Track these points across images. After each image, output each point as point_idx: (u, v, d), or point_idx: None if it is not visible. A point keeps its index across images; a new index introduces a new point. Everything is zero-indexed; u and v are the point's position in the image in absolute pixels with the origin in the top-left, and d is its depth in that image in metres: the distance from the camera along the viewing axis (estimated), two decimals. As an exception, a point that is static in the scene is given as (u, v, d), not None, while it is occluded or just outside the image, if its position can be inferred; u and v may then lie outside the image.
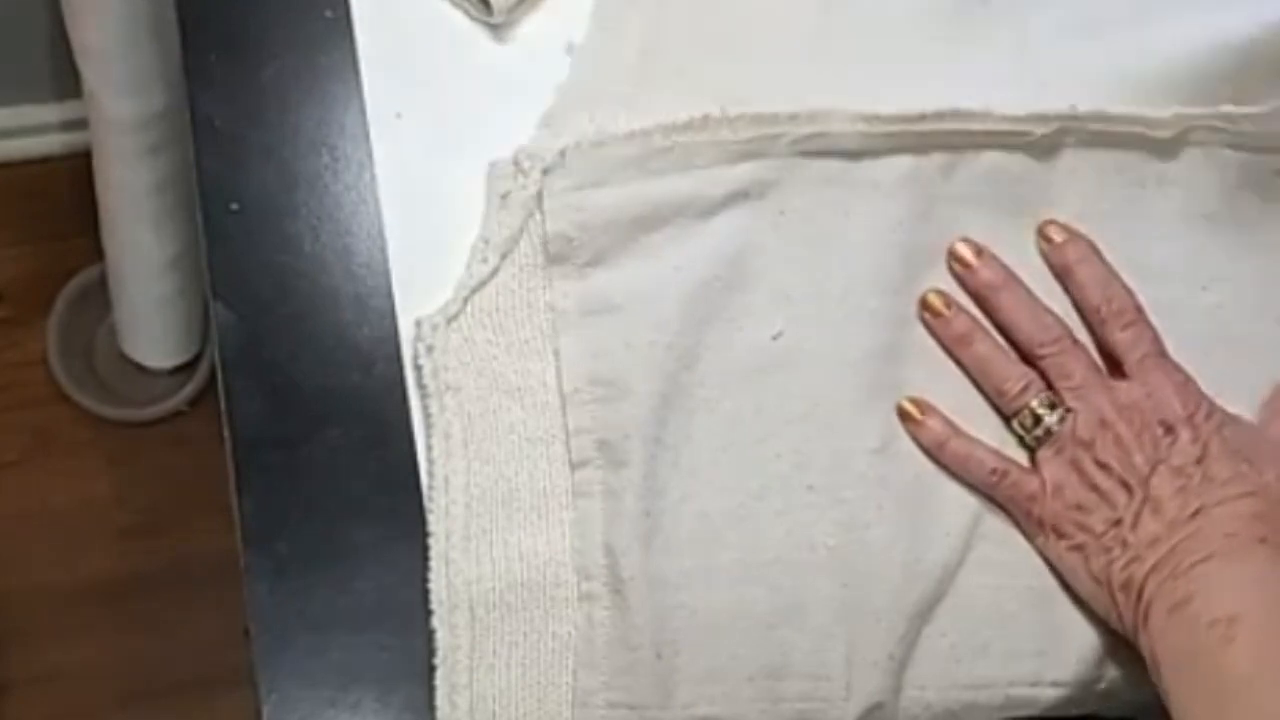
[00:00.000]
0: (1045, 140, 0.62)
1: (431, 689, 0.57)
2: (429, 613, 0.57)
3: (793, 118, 0.60)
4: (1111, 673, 0.59)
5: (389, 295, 0.61)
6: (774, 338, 0.59)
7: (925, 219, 0.62)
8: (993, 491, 0.60)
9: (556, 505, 0.58)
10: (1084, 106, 0.62)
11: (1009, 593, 0.59)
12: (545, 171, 0.60)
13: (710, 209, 0.60)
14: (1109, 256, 0.62)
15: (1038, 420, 0.59)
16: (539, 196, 0.60)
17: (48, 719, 1.30)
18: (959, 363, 0.61)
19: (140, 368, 1.35)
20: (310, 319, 0.61)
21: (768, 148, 0.60)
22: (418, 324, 0.59)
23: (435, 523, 0.57)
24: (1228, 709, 0.51)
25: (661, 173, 0.60)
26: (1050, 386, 0.60)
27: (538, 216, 0.60)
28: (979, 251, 0.61)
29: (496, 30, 0.65)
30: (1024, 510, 0.59)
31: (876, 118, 0.61)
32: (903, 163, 0.61)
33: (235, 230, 0.62)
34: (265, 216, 0.62)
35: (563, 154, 0.60)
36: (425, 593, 0.57)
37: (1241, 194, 0.64)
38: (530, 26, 0.65)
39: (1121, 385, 0.59)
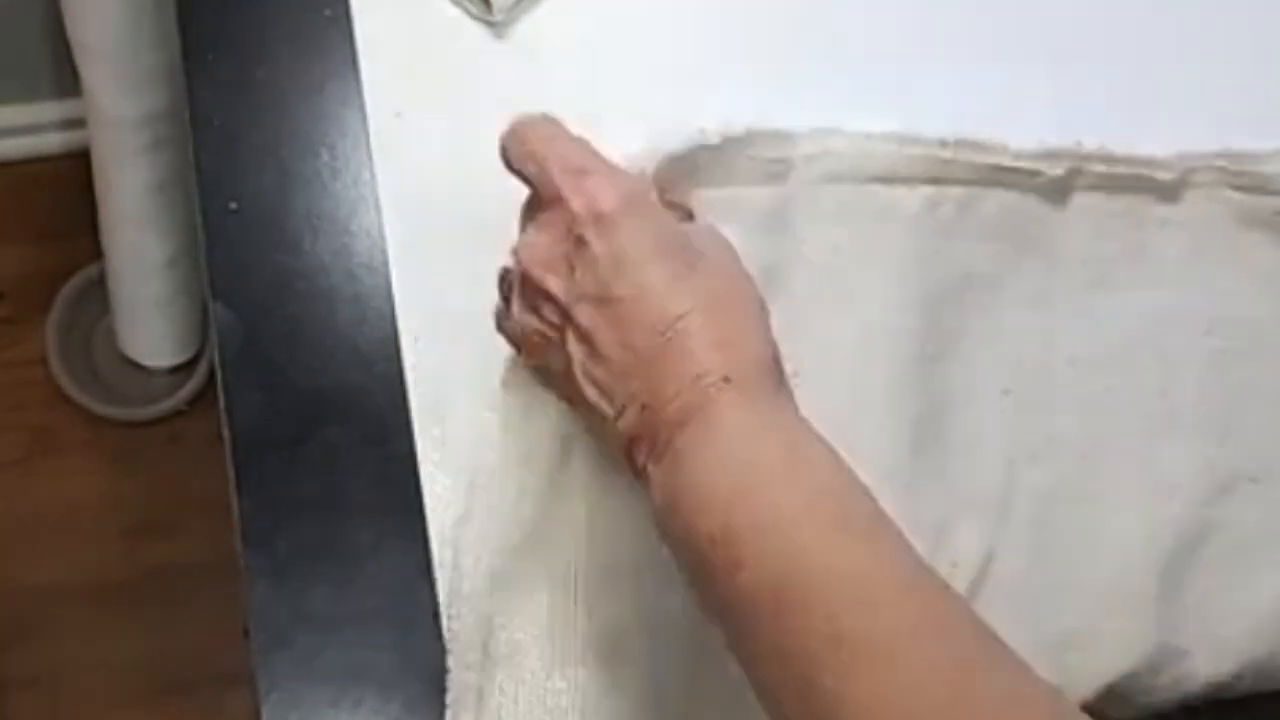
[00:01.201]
0: (1056, 181, 0.62)
1: (431, 688, 0.57)
2: (429, 613, 0.57)
3: (812, 135, 0.59)
4: None
5: (389, 295, 0.61)
6: (792, 375, 0.54)
7: (940, 254, 0.61)
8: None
9: None
10: (1088, 143, 0.62)
11: None
12: None
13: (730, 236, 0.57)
14: (1112, 299, 0.62)
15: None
16: None
17: (47, 719, 1.30)
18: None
19: (139, 367, 1.35)
20: (309, 318, 0.61)
21: (786, 171, 0.59)
22: None
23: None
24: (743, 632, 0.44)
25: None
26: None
27: None
28: None
29: (496, 29, 0.65)
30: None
31: (905, 138, 0.60)
32: (925, 192, 0.60)
33: (234, 230, 0.61)
34: (264, 216, 0.62)
35: None
36: (425, 592, 0.58)
37: (1244, 236, 0.64)
38: (530, 26, 0.65)
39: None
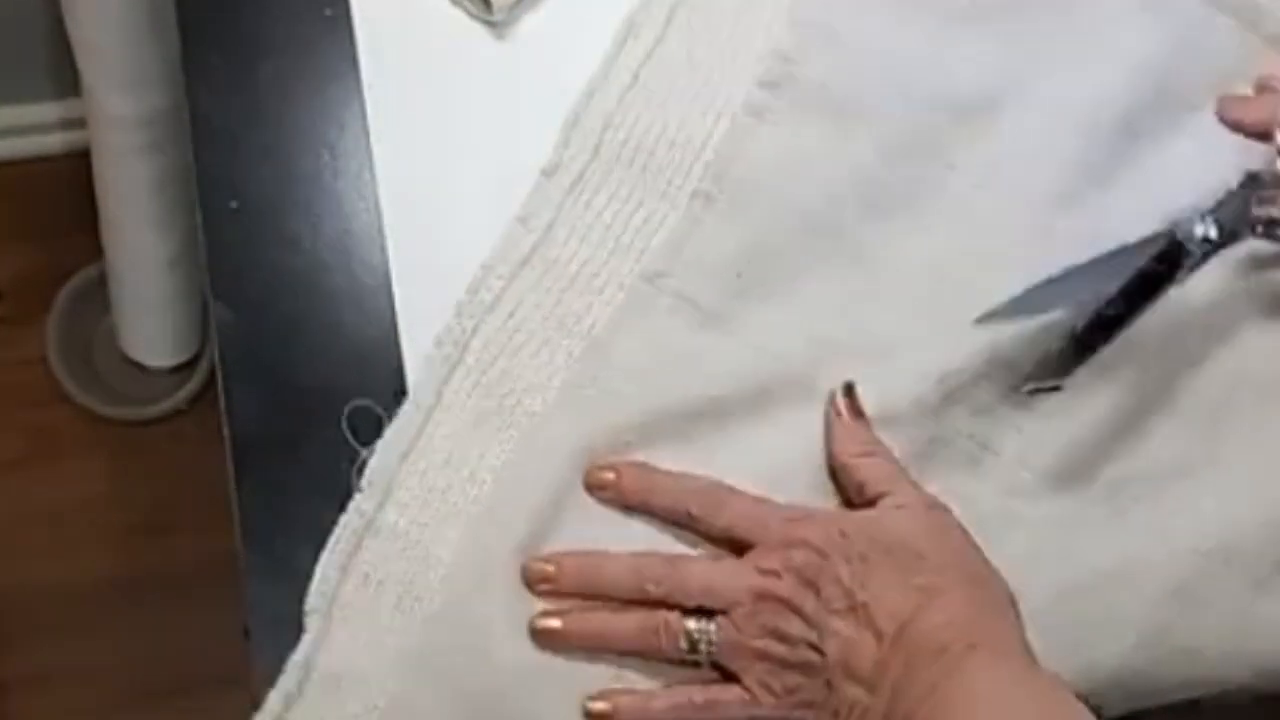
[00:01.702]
0: None
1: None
2: (429, 612, 0.57)
3: None
4: None
5: (389, 294, 0.61)
6: None
7: None
8: None
9: None
10: None
11: None
12: None
13: None
14: None
15: (693, 643, 0.56)
16: None
17: (47, 719, 1.30)
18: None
19: (140, 367, 1.35)
20: (310, 318, 0.61)
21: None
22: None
23: None
24: None
25: None
26: (682, 609, 0.57)
27: None
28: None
29: (496, 29, 0.65)
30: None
31: None
32: None
33: (235, 229, 0.61)
34: (265, 215, 0.62)
35: None
36: (425, 592, 0.57)
37: None
38: (530, 25, 0.65)
39: (750, 556, 0.57)
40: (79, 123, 1.19)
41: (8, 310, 1.39)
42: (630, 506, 0.58)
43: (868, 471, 0.58)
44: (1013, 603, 0.55)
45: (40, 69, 1.30)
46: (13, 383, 1.38)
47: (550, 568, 0.57)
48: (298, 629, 0.57)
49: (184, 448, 1.36)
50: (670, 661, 0.57)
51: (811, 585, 0.55)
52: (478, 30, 0.65)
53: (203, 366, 1.36)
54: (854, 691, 0.53)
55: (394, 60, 0.64)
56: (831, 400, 0.60)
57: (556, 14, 0.65)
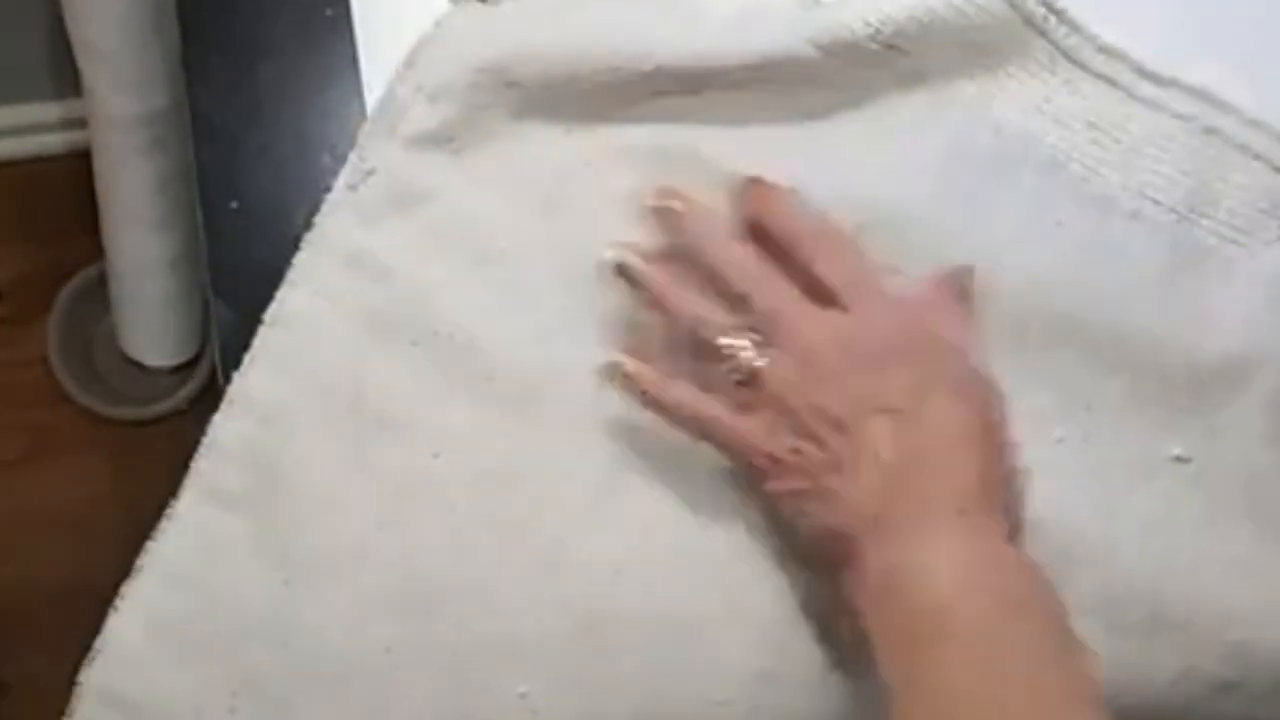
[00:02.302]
0: None
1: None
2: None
3: None
4: None
5: (389, 294, 0.61)
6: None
7: None
8: (710, 439, 0.56)
9: None
10: None
11: None
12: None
13: None
14: None
15: (738, 362, 0.55)
16: None
17: (47, 718, 1.30)
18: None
19: (140, 367, 1.35)
20: (310, 318, 0.61)
21: None
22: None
23: None
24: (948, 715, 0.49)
25: None
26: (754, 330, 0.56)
27: None
28: (682, 198, 0.58)
29: (497, 28, 0.65)
30: (744, 456, 0.56)
31: None
32: None
33: (235, 229, 0.61)
34: (265, 215, 0.62)
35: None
36: (426, 592, 0.57)
37: None
38: (531, 24, 0.65)
39: (830, 314, 0.56)
40: (80, 123, 1.19)
41: (8, 310, 1.39)
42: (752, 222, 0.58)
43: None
44: (998, 396, 0.55)
45: (41, 69, 1.29)
46: (13, 383, 1.38)
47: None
48: (298, 628, 0.57)
49: (184, 448, 1.35)
50: (709, 356, 0.56)
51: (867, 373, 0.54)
52: (478, 30, 0.65)
53: (203, 366, 1.36)
54: (871, 476, 0.53)
55: (394, 59, 0.63)
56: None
57: (557, 14, 0.65)
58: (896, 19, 0.59)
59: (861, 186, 0.60)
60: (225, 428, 0.58)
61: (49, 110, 1.36)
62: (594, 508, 0.57)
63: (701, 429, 0.56)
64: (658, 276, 0.57)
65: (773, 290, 0.56)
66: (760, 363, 0.55)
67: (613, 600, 0.56)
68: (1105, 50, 0.63)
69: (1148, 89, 0.63)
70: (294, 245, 0.61)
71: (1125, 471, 0.59)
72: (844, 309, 0.55)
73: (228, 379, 0.59)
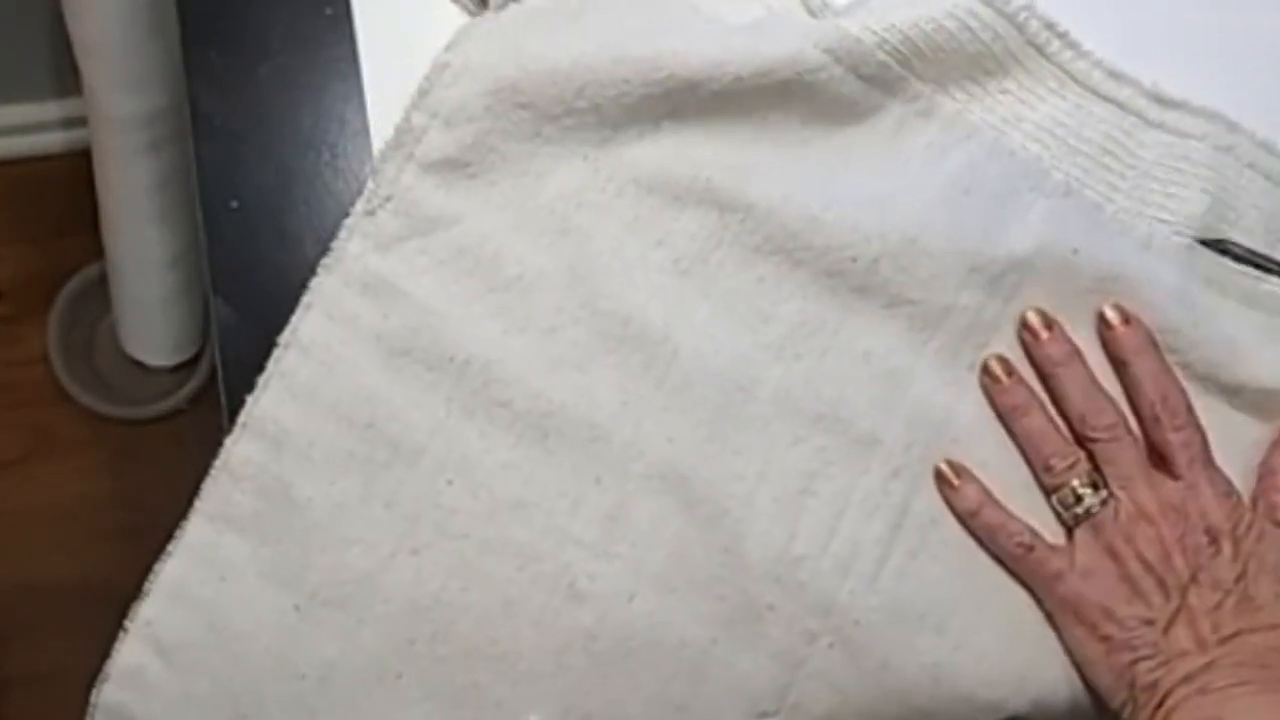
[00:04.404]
0: None
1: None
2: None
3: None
4: None
5: (389, 293, 0.61)
6: None
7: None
8: (1017, 565, 0.59)
9: None
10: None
11: None
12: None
13: None
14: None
15: (1079, 499, 0.59)
16: None
17: (47, 718, 1.30)
18: (1011, 433, 0.60)
19: (141, 366, 1.35)
20: (310, 317, 0.61)
21: None
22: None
23: None
24: None
25: None
26: (1097, 470, 0.59)
27: None
28: (1049, 324, 0.61)
29: (497, 27, 0.65)
30: (1047, 587, 0.59)
31: None
32: None
33: (235, 228, 0.61)
34: (265, 214, 0.62)
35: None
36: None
37: None
38: (531, 24, 0.65)
39: (1169, 484, 0.59)
40: (80, 122, 1.19)
41: (8, 309, 1.39)
42: (1119, 359, 0.60)
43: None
44: None
45: (41, 68, 1.29)
46: (13, 382, 1.38)
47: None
48: (298, 628, 0.57)
49: (184, 446, 1.35)
50: (1045, 489, 0.60)
51: (1196, 549, 0.57)
52: (478, 29, 0.65)
53: (203, 366, 1.36)
54: (1185, 639, 0.56)
55: (394, 57, 0.64)
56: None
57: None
58: (903, 29, 0.60)
59: (874, 216, 0.60)
60: (237, 451, 0.58)
61: (49, 109, 1.36)
62: (606, 536, 0.57)
63: (1013, 553, 0.59)
64: (1019, 390, 0.60)
65: (1129, 449, 0.59)
66: (1100, 509, 0.59)
67: (624, 628, 0.57)
68: (1114, 75, 0.63)
69: (1158, 112, 0.63)
70: (294, 244, 0.61)
71: None
72: (1179, 479, 0.59)
73: (227, 378, 0.59)
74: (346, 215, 0.62)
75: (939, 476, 0.59)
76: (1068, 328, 0.61)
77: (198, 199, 0.62)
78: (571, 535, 0.57)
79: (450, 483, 0.57)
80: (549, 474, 0.58)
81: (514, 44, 0.60)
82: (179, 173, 1.14)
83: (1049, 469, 0.59)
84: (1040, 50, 0.62)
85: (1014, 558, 0.59)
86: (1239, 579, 0.57)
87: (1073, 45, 0.62)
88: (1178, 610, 0.57)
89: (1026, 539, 0.59)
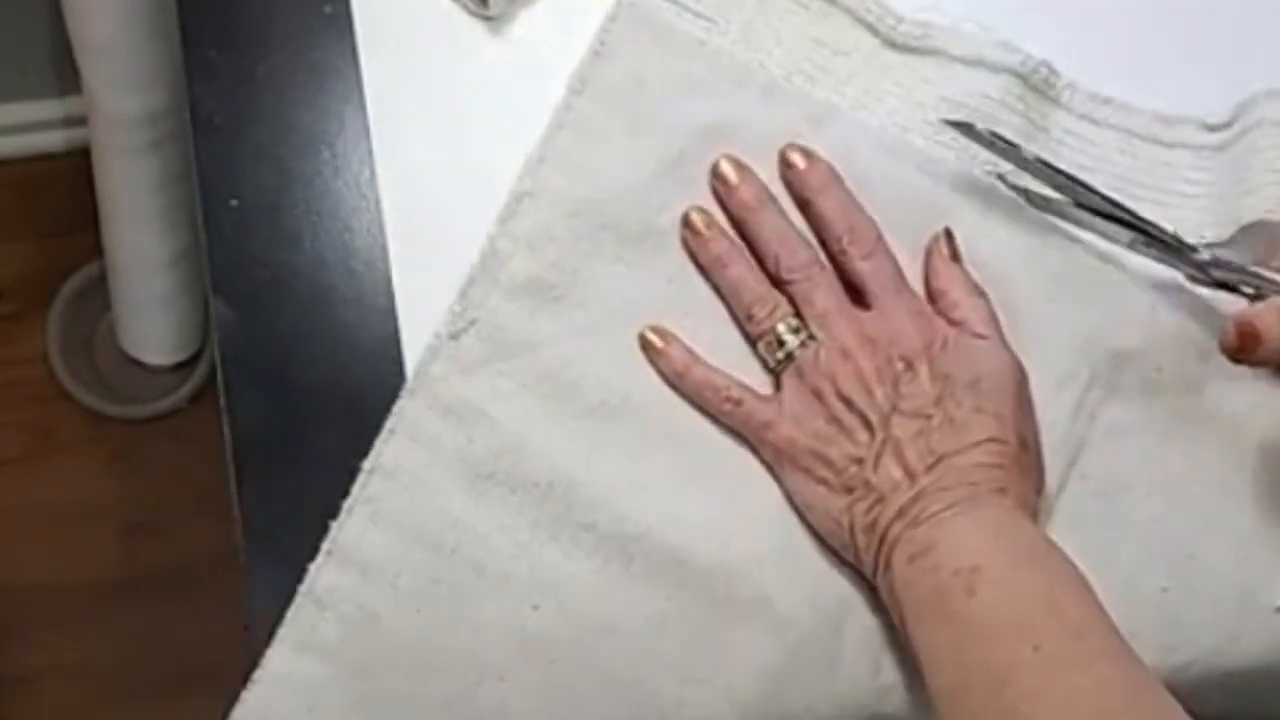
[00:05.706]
0: None
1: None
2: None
3: None
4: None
5: (389, 292, 0.61)
6: None
7: None
8: (729, 419, 0.59)
9: None
10: None
11: None
12: None
13: None
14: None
15: (781, 344, 0.58)
16: None
17: (47, 717, 1.30)
18: (716, 288, 0.60)
19: (140, 364, 1.35)
20: (310, 316, 0.61)
21: None
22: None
23: None
24: (968, 657, 0.51)
25: None
26: (798, 315, 0.59)
27: None
28: (741, 169, 0.61)
29: (495, 25, 0.65)
30: (759, 438, 0.59)
31: None
32: None
33: (235, 227, 0.62)
34: (265, 213, 0.62)
35: None
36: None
37: None
38: (527, 21, 0.65)
39: (864, 316, 0.59)
40: (80, 121, 1.19)
41: (8, 308, 1.39)
42: (802, 198, 0.60)
43: (970, 311, 0.59)
44: (1043, 483, 0.58)
45: (41, 67, 1.30)
46: (13, 380, 1.38)
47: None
48: (298, 627, 0.57)
49: (184, 445, 1.36)
50: (747, 337, 0.60)
51: (894, 378, 0.57)
52: (478, 28, 0.65)
53: (203, 364, 1.36)
54: (894, 472, 0.56)
55: (394, 58, 0.64)
56: (933, 240, 0.61)
57: (553, 8, 0.65)
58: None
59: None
60: (322, 579, 0.57)
61: (49, 108, 1.36)
62: (694, 661, 0.57)
63: (723, 409, 0.59)
64: (720, 241, 0.60)
65: (822, 286, 0.59)
66: (801, 352, 0.58)
67: None
68: (1110, 102, 0.64)
69: (1167, 132, 0.64)
70: (294, 244, 0.61)
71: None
72: (871, 307, 0.59)
73: (227, 377, 0.59)
74: (346, 214, 0.62)
75: (645, 344, 0.59)
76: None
77: (197, 198, 0.62)
78: (660, 660, 0.57)
79: (536, 608, 0.57)
80: (637, 597, 0.57)
81: (591, 163, 0.61)
82: (179, 172, 1.14)
83: (751, 317, 0.59)
84: (1037, 88, 0.64)
85: (725, 414, 0.59)
86: (939, 401, 0.56)
87: (1070, 84, 0.64)
88: (884, 443, 0.56)
89: (735, 393, 0.58)
